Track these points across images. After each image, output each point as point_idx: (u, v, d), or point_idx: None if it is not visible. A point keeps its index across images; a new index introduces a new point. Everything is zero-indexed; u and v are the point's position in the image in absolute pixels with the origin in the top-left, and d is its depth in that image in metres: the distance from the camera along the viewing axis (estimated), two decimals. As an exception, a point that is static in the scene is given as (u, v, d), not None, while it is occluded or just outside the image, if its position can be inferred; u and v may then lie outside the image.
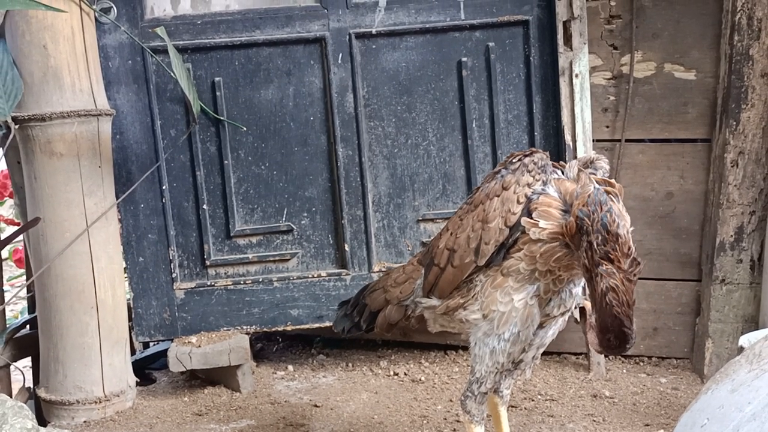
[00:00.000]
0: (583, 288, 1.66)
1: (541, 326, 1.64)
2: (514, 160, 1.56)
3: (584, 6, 2.34)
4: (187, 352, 2.40)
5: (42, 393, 2.32)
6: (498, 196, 1.53)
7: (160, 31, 2.15)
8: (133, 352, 2.78)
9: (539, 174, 1.52)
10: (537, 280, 1.55)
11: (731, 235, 2.40)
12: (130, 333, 2.47)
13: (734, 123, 2.34)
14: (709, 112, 2.45)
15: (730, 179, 2.37)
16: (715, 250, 2.41)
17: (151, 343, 2.99)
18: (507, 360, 1.60)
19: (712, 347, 2.45)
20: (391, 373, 2.61)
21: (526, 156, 1.55)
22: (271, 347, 2.93)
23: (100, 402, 2.29)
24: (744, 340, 2.05)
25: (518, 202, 1.51)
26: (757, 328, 2.35)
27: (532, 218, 1.50)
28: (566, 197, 1.50)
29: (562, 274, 1.53)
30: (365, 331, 1.82)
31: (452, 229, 1.61)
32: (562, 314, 1.65)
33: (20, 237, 2.64)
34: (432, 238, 1.75)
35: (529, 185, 1.51)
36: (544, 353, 2.64)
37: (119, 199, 2.33)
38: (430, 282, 1.64)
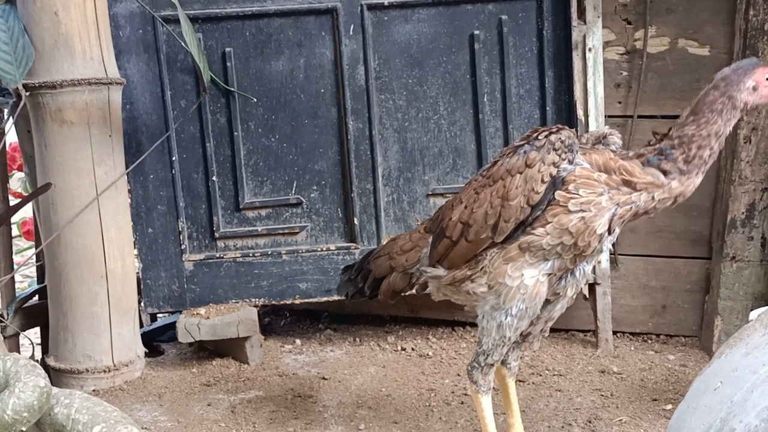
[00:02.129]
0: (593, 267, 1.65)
1: (549, 301, 1.64)
2: (539, 137, 1.52)
3: (598, -21, 2.32)
4: (196, 324, 2.40)
5: (51, 361, 2.33)
6: (521, 173, 1.50)
7: (173, -3, 2.13)
8: (141, 324, 2.79)
9: (566, 153, 1.49)
10: (556, 256, 1.54)
11: (742, 212, 2.38)
12: (138, 305, 2.48)
13: (748, 99, 2.32)
14: (723, 88, 2.43)
15: (743, 156, 2.35)
16: (726, 227, 2.40)
17: (159, 316, 3.00)
18: (514, 334, 1.59)
19: (721, 325, 2.44)
20: (399, 348, 2.61)
21: (552, 133, 1.51)
22: (278, 321, 2.93)
23: (109, 371, 2.30)
24: (754, 314, 2.04)
25: (542, 181, 1.48)
26: (766, 306, 2.34)
27: (567, 191, 1.48)
28: (600, 167, 1.49)
29: (587, 248, 1.51)
30: (369, 297, 1.81)
31: (467, 202, 1.59)
32: (573, 295, 1.64)
33: (30, 206, 2.64)
34: (442, 206, 1.73)
35: (554, 164, 1.48)
36: (552, 330, 2.64)
37: (129, 169, 2.33)
38: (440, 253, 1.63)
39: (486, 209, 1.54)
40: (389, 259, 1.75)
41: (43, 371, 1.40)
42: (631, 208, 1.50)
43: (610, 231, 1.52)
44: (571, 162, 1.49)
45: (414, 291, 1.79)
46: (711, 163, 1.49)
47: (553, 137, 1.50)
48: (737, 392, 1.14)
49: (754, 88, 1.47)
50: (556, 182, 1.49)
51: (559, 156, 1.48)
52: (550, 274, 1.57)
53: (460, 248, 1.60)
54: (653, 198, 1.50)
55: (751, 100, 1.48)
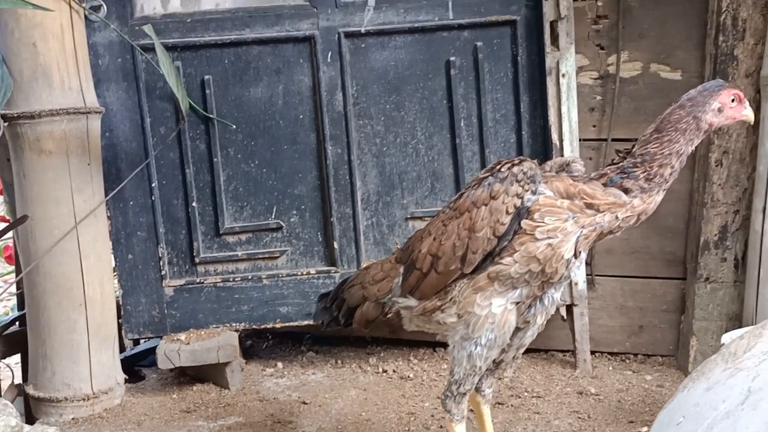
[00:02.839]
0: (563, 293, 1.69)
1: (519, 329, 1.66)
2: (502, 169, 1.55)
3: (571, 6, 2.36)
4: (176, 350, 2.41)
5: (30, 390, 2.33)
6: (486, 205, 1.53)
7: (148, 29, 2.15)
8: (123, 349, 2.79)
9: (528, 184, 1.52)
10: (525, 284, 1.56)
11: (715, 234, 2.42)
12: (119, 330, 2.48)
13: (719, 123, 2.36)
14: (695, 112, 2.47)
15: (715, 178, 2.40)
16: (700, 248, 2.44)
17: (141, 340, 3.00)
18: (484, 363, 1.61)
19: (697, 345, 2.47)
20: (380, 370, 2.63)
21: (515, 165, 1.54)
22: (260, 344, 2.94)
23: (88, 399, 2.30)
24: (726, 338, 2.07)
25: (507, 212, 1.51)
26: (740, 326, 2.37)
27: (532, 220, 1.51)
28: (562, 194, 1.53)
29: (555, 274, 1.54)
30: (344, 326, 1.83)
31: (435, 234, 1.62)
32: (543, 321, 1.67)
33: (10, 234, 2.64)
34: (411, 237, 1.75)
35: (518, 195, 1.51)
36: (532, 350, 2.68)
37: (108, 197, 2.34)
38: (411, 284, 1.65)
39: (454, 241, 1.57)
40: (362, 288, 1.77)
41: (16, 410, 1.41)
42: (596, 228, 1.53)
43: (576, 254, 1.55)
44: (534, 192, 1.52)
45: (388, 320, 1.81)
46: (672, 181, 1.51)
47: (515, 169, 1.53)
48: (698, 428, 1.16)
49: (720, 110, 1.50)
50: (521, 213, 1.52)
51: (522, 187, 1.51)
52: (518, 303, 1.60)
53: (431, 280, 1.62)
54: (617, 217, 1.52)
55: (716, 122, 1.51)
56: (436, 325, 1.68)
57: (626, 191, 1.51)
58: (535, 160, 1.58)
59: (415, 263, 1.65)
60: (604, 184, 1.53)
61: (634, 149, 1.53)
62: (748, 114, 1.55)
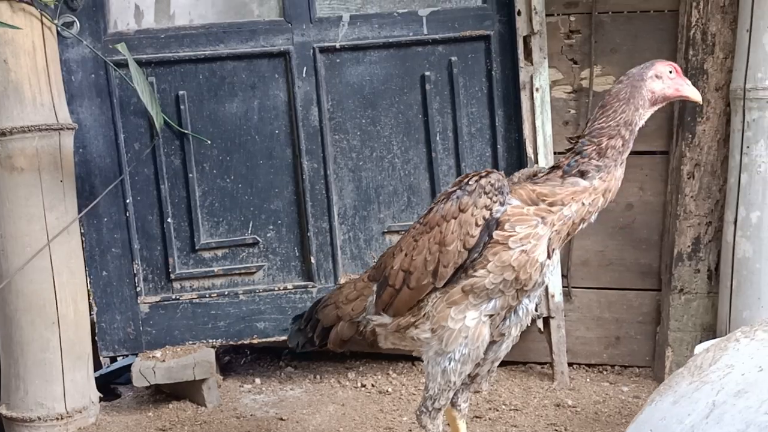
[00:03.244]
0: (537, 304, 1.70)
1: (494, 341, 1.67)
2: (470, 182, 1.56)
3: (544, 22, 2.38)
4: (151, 367, 2.38)
5: (3, 410, 2.29)
6: (455, 218, 1.54)
7: (121, 47, 2.15)
8: (99, 366, 2.76)
9: (496, 195, 1.53)
10: (499, 294, 1.57)
11: (689, 246, 2.45)
12: (95, 348, 2.46)
13: (690, 136, 2.40)
14: (667, 125, 2.51)
15: (687, 191, 2.42)
16: (674, 260, 2.46)
17: (118, 357, 2.96)
18: (459, 378, 1.62)
19: (672, 356, 2.49)
20: (359, 384, 2.62)
21: (482, 177, 1.55)
22: (239, 360, 2.92)
23: (61, 418, 2.26)
24: (699, 349, 2.09)
25: (476, 224, 1.53)
26: (714, 337, 2.40)
27: (503, 230, 1.52)
28: (527, 201, 1.54)
29: (529, 281, 1.55)
30: (319, 347, 1.82)
31: (406, 249, 1.62)
32: (517, 333, 1.68)
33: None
34: (383, 254, 1.75)
35: (486, 207, 1.52)
36: (510, 363, 2.69)
37: (81, 214, 2.32)
38: (385, 301, 1.65)
39: (425, 256, 1.58)
40: (336, 308, 1.76)
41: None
42: (566, 222, 1.54)
43: (549, 255, 1.56)
44: (502, 203, 1.53)
45: (363, 339, 1.81)
46: (627, 153, 1.53)
47: (483, 181, 1.54)
48: (664, 442, 1.17)
49: (657, 77, 1.55)
50: (490, 224, 1.53)
51: (491, 199, 1.53)
52: (492, 315, 1.60)
53: (404, 295, 1.62)
54: (583, 204, 1.53)
55: (657, 89, 1.54)
56: (411, 341, 1.68)
57: (583, 175, 1.52)
58: (502, 172, 1.60)
59: (387, 280, 1.65)
60: (562, 177, 1.54)
61: (584, 131, 1.56)
62: (692, 92, 1.58)
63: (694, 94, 1.59)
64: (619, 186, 1.55)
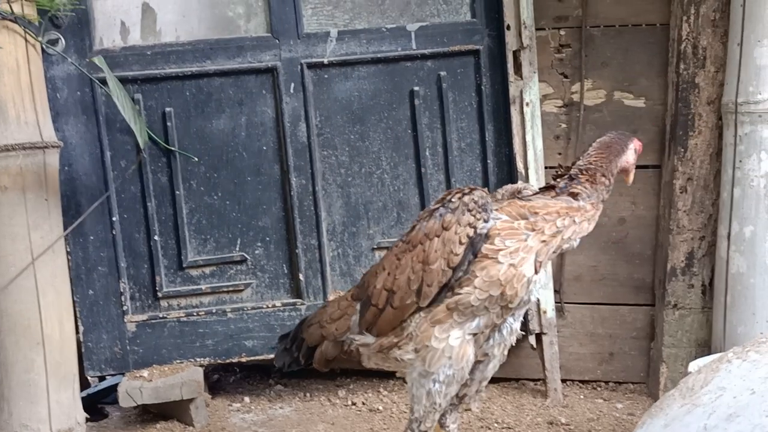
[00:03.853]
0: (522, 323, 1.70)
1: (480, 361, 1.64)
2: (453, 199, 1.54)
3: (533, 36, 2.37)
4: (138, 387, 2.35)
5: (-13, 432, 2.26)
6: (438, 236, 1.52)
7: (98, 60, 2.12)
8: (87, 385, 2.73)
9: (480, 213, 1.51)
10: (484, 311, 1.55)
11: (682, 261, 2.42)
12: (81, 367, 2.42)
13: (682, 150, 2.38)
14: (659, 138, 2.49)
15: (680, 205, 2.40)
16: (667, 275, 2.43)
17: (106, 377, 2.93)
18: (444, 400, 1.59)
19: (667, 372, 2.46)
20: (349, 402, 2.59)
21: (465, 194, 1.53)
22: (228, 378, 2.89)
23: (46, 440, 2.23)
24: (693, 366, 2.06)
25: (460, 242, 1.50)
26: (709, 353, 2.36)
27: (492, 245, 1.50)
28: (516, 217, 1.52)
29: (515, 297, 1.53)
30: (304, 366, 1.80)
31: (389, 269, 1.60)
32: (503, 352, 1.65)
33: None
34: (366, 273, 1.73)
35: (470, 225, 1.50)
36: (503, 379, 2.65)
37: (65, 233, 2.29)
38: (368, 321, 1.63)
39: (408, 275, 1.55)
40: (320, 327, 1.74)
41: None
42: (555, 234, 1.54)
43: (536, 269, 1.54)
44: (486, 221, 1.52)
45: (350, 358, 1.78)
46: (606, 196, 1.62)
47: (466, 198, 1.52)
48: (652, 469, 1.14)
49: (636, 150, 1.69)
50: (475, 242, 1.51)
51: (474, 216, 1.51)
52: (476, 334, 1.58)
53: (387, 315, 1.60)
54: (574, 221, 1.56)
55: (631, 160, 1.68)
56: (394, 362, 1.65)
57: (575, 197, 1.57)
58: (486, 189, 1.58)
59: (370, 299, 1.63)
60: (554, 196, 1.58)
61: (578, 162, 1.63)
62: (632, 177, 1.74)
63: (629, 180, 1.76)
64: (594, 224, 1.62)
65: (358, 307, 1.68)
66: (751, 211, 2.21)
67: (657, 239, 2.52)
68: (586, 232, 1.60)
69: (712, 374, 1.33)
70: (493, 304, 1.54)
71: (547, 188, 1.62)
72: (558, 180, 1.61)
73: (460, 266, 1.51)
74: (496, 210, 1.55)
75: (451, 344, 1.54)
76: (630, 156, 1.67)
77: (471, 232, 1.50)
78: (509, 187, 1.69)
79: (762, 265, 2.20)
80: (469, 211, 1.51)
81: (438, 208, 1.55)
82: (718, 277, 2.32)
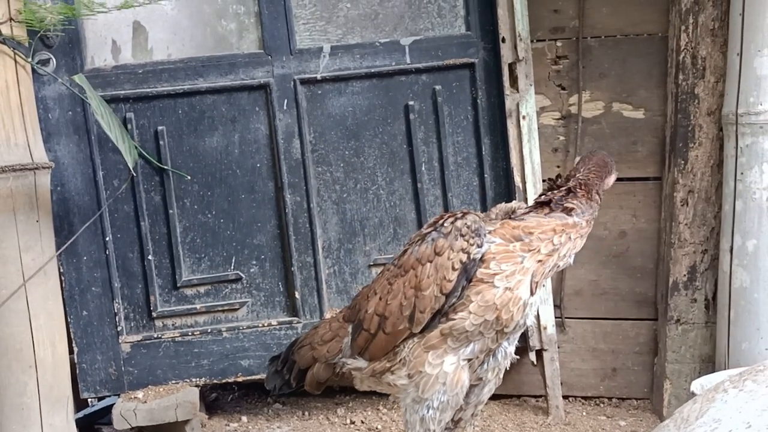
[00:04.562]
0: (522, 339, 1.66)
1: (473, 386, 1.60)
2: (445, 223, 1.51)
3: (529, 48, 2.33)
4: (132, 409, 2.32)
5: (-20, 456, 2.23)
6: (431, 261, 1.49)
7: (78, 78, 2.09)
8: (85, 405, 2.70)
9: (473, 238, 1.48)
10: (479, 336, 1.51)
11: (684, 275, 2.37)
12: (76, 388, 2.40)
13: (682, 162, 2.33)
14: (659, 150, 2.44)
15: (681, 218, 2.35)
16: (669, 289, 2.38)
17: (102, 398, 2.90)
18: (439, 427, 1.55)
19: (671, 388, 2.41)
20: (348, 421, 2.55)
21: (458, 219, 1.50)
22: (225, 397, 2.85)
23: (40, 464, 2.20)
24: (696, 385, 2.02)
25: (453, 268, 1.47)
26: (713, 369, 2.31)
27: (488, 269, 1.47)
28: (510, 239, 1.49)
29: (510, 321, 1.50)
30: (295, 389, 1.77)
31: (381, 293, 1.56)
32: (497, 376, 1.61)
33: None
34: (358, 294, 1.70)
35: (464, 250, 1.47)
36: (504, 396, 2.61)
37: (57, 253, 2.26)
38: (360, 345, 1.60)
39: (400, 300, 1.52)
40: (311, 349, 1.71)
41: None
42: (552, 253, 1.51)
43: (532, 291, 1.51)
44: (480, 245, 1.48)
45: (342, 380, 1.75)
46: (596, 214, 1.61)
47: (459, 223, 1.49)
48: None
49: (616, 180, 1.73)
50: (468, 268, 1.47)
51: (467, 242, 1.47)
52: (470, 359, 1.54)
53: (379, 340, 1.56)
54: (570, 238, 1.53)
55: (610, 184, 1.70)
56: (387, 386, 1.62)
57: (569, 212, 1.54)
58: (478, 211, 1.55)
59: (362, 323, 1.60)
60: (548, 213, 1.55)
61: (575, 175, 1.62)
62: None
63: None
64: (583, 243, 1.60)
65: (350, 329, 1.65)
66: (754, 224, 2.16)
67: (659, 252, 2.47)
68: (579, 248, 1.58)
69: (708, 404, 1.29)
70: (489, 329, 1.51)
71: (539, 205, 1.59)
72: (554, 192, 1.58)
73: (453, 292, 1.48)
74: (490, 233, 1.52)
75: (445, 370, 1.51)
76: (611, 181, 1.68)
77: (464, 257, 1.46)
78: (503, 206, 1.65)
79: (766, 279, 2.15)
80: (462, 236, 1.47)
81: (430, 232, 1.52)
82: (721, 291, 2.27)
